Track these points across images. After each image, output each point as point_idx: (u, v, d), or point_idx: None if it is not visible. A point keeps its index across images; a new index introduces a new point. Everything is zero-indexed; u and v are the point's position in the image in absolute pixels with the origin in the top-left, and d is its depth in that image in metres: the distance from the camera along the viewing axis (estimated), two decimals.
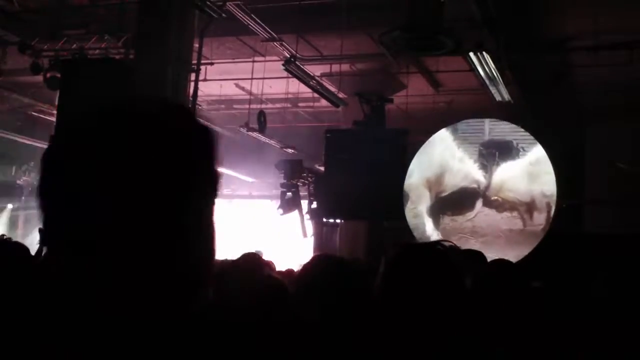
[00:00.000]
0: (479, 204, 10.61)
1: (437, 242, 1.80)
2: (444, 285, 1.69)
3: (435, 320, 1.65)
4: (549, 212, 10.08)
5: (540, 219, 10.12)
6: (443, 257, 1.75)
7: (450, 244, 1.83)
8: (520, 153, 10.39)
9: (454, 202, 10.80)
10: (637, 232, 9.64)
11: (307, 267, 2.53)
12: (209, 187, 0.93)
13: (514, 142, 10.46)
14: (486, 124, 10.76)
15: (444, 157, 10.87)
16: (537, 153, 10.28)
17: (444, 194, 10.87)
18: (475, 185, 10.65)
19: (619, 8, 8.67)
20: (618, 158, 11.78)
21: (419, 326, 1.65)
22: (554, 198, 10.04)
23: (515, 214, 10.35)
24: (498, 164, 10.53)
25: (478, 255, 4.15)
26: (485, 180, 10.60)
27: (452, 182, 10.82)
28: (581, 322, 3.26)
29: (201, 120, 0.94)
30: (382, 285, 1.74)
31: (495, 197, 10.50)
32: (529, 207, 10.25)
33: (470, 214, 10.64)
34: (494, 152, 10.56)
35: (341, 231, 12.85)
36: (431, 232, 10.83)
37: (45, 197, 0.90)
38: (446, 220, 10.81)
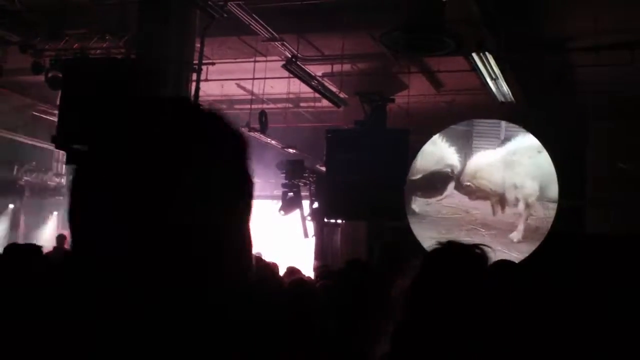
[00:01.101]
0: (450, 187, 10.71)
1: (476, 246, 1.80)
2: (479, 291, 1.71)
3: (468, 328, 1.66)
4: (515, 205, 10.21)
5: (509, 212, 10.24)
6: (480, 262, 1.77)
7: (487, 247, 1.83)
8: (502, 142, 10.50)
9: (425, 184, 10.90)
10: (638, 232, 9.64)
11: None
12: (235, 191, 0.92)
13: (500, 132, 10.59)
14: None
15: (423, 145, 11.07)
16: (520, 143, 10.38)
17: (416, 177, 10.96)
18: (448, 170, 10.76)
19: (619, 8, 8.67)
20: (619, 158, 11.77)
21: (452, 332, 1.65)
22: (526, 192, 10.15)
23: (487, 202, 10.44)
24: (475, 150, 10.64)
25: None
26: (459, 164, 10.71)
27: (424, 167, 10.93)
28: (582, 322, 3.26)
29: (230, 123, 0.93)
30: (415, 287, 1.74)
31: (468, 183, 10.57)
32: (501, 197, 10.36)
33: (439, 197, 10.74)
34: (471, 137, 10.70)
35: (342, 231, 12.85)
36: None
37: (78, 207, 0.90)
38: (419, 204, 10.90)
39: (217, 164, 0.89)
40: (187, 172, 0.87)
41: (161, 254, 0.86)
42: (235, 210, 0.92)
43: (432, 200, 10.83)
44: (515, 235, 10.21)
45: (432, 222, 10.84)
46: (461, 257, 1.77)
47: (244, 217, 0.93)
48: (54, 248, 10.13)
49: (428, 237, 10.45)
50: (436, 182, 10.83)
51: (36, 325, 0.89)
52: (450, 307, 1.67)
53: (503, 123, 10.80)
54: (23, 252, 3.79)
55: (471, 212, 10.60)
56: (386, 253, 4.47)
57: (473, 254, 1.77)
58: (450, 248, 1.83)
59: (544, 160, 10.16)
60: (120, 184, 0.86)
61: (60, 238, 11.20)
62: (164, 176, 0.86)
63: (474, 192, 10.52)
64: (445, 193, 10.72)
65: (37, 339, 0.86)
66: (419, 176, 10.93)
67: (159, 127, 0.88)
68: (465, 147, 10.72)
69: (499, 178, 10.39)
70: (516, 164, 10.29)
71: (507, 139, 10.55)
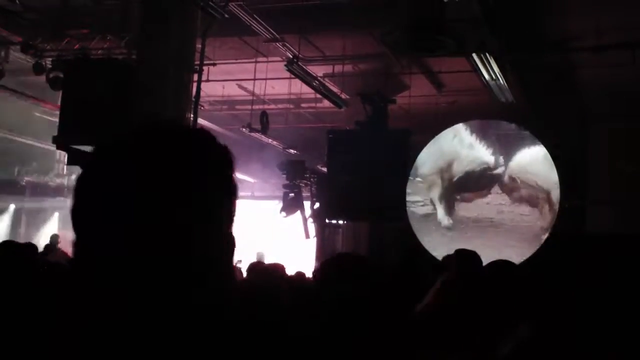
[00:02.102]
0: (492, 187, 10.54)
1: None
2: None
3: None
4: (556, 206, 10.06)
5: (552, 212, 10.09)
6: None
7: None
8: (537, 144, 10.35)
9: (464, 186, 10.78)
10: (639, 232, 9.64)
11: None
12: (225, 199, 1.01)
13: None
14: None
15: (454, 145, 10.90)
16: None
17: (454, 180, 10.86)
18: (485, 166, 10.60)
19: (621, 8, 8.66)
20: (620, 158, 11.77)
21: None
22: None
23: (530, 202, 10.26)
24: (514, 152, 10.46)
25: (472, 256, 4.16)
26: (500, 165, 10.53)
27: (460, 168, 10.81)
28: (582, 322, 3.26)
29: (219, 141, 1.02)
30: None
31: (511, 181, 10.39)
32: (547, 196, 10.16)
33: (483, 198, 10.59)
34: (510, 142, 10.54)
35: (343, 232, 12.86)
36: (442, 217, 10.83)
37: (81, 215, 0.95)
38: (461, 208, 10.75)
39: (205, 177, 0.98)
40: (180, 185, 0.94)
41: (160, 256, 0.91)
42: (221, 216, 1.00)
43: (476, 202, 10.69)
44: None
45: (478, 229, 10.62)
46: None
47: (227, 223, 1.01)
48: (45, 247, 10.11)
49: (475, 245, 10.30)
50: (477, 182, 10.67)
51: (33, 324, 0.91)
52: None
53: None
54: (17, 249, 3.80)
55: (519, 216, 10.39)
56: (409, 257, 4.46)
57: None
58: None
59: None
60: (122, 191, 0.92)
61: (53, 237, 11.15)
62: (161, 187, 0.93)
63: (519, 189, 10.31)
64: (489, 194, 10.55)
65: (33, 337, 0.88)
66: (456, 179, 10.83)
67: (159, 147, 0.96)
68: (502, 148, 10.56)
69: (545, 174, 10.17)
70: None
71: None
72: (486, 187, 10.57)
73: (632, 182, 11.28)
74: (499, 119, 10.82)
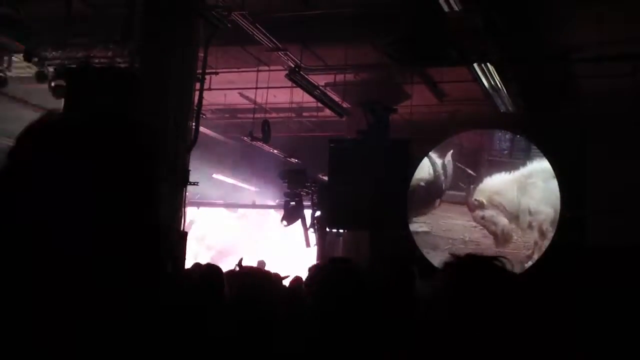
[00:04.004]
0: (462, 206, 10.59)
1: (494, 258, 1.82)
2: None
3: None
4: (529, 232, 10.10)
5: (523, 239, 10.14)
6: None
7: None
8: (516, 163, 10.41)
9: (414, 203, 10.87)
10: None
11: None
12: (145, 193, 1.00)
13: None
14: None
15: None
16: (535, 166, 10.29)
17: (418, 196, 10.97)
18: (422, 184, 10.70)
19: (623, 19, 8.69)
20: (622, 169, 11.76)
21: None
22: (541, 218, 10.04)
23: (500, 224, 10.32)
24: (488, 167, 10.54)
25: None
26: (470, 182, 10.61)
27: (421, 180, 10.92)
28: (583, 335, 3.26)
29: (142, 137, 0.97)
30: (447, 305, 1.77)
31: (482, 200, 10.47)
32: (515, 219, 10.23)
33: (468, 221, 10.62)
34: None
35: (344, 241, 12.85)
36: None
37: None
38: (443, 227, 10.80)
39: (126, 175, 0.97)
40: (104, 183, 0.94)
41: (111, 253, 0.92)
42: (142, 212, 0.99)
43: (433, 216, 10.74)
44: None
45: (438, 241, 10.67)
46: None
47: (151, 220, 1.00)
48: None
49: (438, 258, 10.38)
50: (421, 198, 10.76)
51: None
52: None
53: (521, 142, 10.67)
54: None
55: (484, 236, 10.42)
56: (394, 267, 4.45)
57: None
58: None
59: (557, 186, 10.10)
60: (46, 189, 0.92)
61: None
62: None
63: (486, 209, 10.39)
64: (434, 209, 10.63)
65: None
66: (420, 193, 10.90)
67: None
68: (476, 164, 10.62)
69: (514, 199, 10.25)
70: (531, 186, 10.17)
71: (523, 161, 10.43)
72: (431, 202, 10.63)
73: (633, 193, 11.26)
74: (499, 128, 10.83)
